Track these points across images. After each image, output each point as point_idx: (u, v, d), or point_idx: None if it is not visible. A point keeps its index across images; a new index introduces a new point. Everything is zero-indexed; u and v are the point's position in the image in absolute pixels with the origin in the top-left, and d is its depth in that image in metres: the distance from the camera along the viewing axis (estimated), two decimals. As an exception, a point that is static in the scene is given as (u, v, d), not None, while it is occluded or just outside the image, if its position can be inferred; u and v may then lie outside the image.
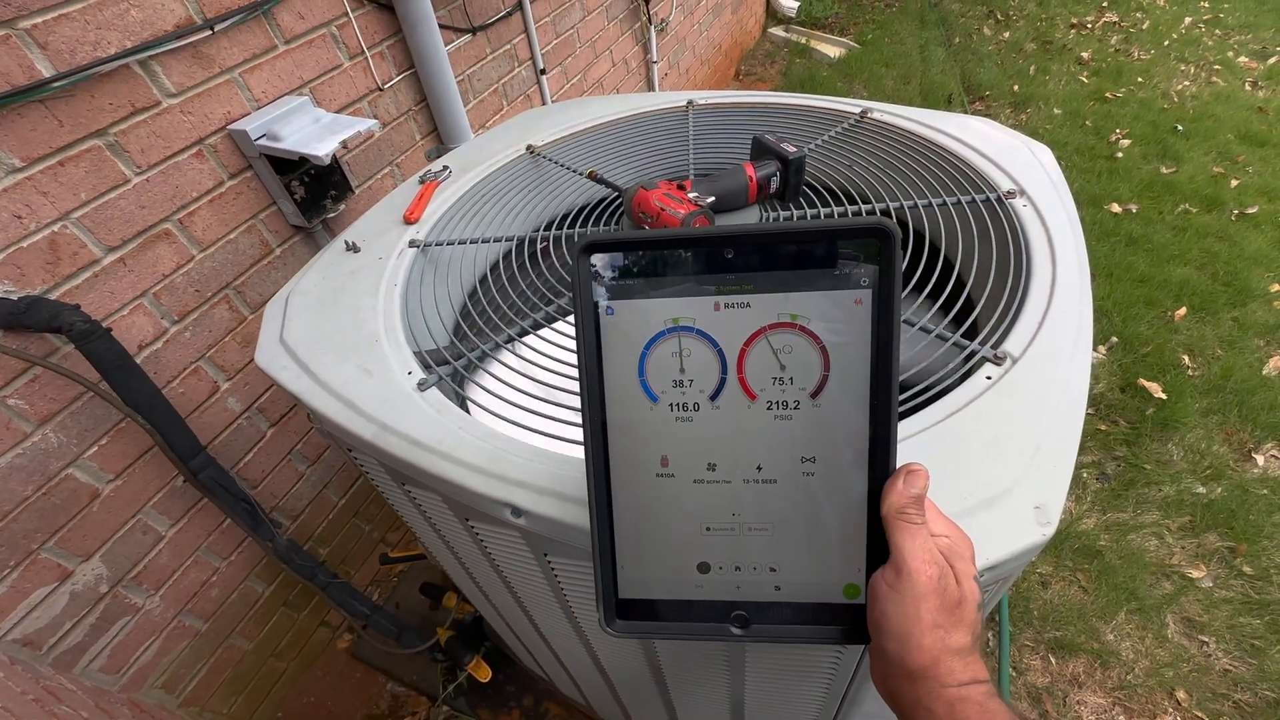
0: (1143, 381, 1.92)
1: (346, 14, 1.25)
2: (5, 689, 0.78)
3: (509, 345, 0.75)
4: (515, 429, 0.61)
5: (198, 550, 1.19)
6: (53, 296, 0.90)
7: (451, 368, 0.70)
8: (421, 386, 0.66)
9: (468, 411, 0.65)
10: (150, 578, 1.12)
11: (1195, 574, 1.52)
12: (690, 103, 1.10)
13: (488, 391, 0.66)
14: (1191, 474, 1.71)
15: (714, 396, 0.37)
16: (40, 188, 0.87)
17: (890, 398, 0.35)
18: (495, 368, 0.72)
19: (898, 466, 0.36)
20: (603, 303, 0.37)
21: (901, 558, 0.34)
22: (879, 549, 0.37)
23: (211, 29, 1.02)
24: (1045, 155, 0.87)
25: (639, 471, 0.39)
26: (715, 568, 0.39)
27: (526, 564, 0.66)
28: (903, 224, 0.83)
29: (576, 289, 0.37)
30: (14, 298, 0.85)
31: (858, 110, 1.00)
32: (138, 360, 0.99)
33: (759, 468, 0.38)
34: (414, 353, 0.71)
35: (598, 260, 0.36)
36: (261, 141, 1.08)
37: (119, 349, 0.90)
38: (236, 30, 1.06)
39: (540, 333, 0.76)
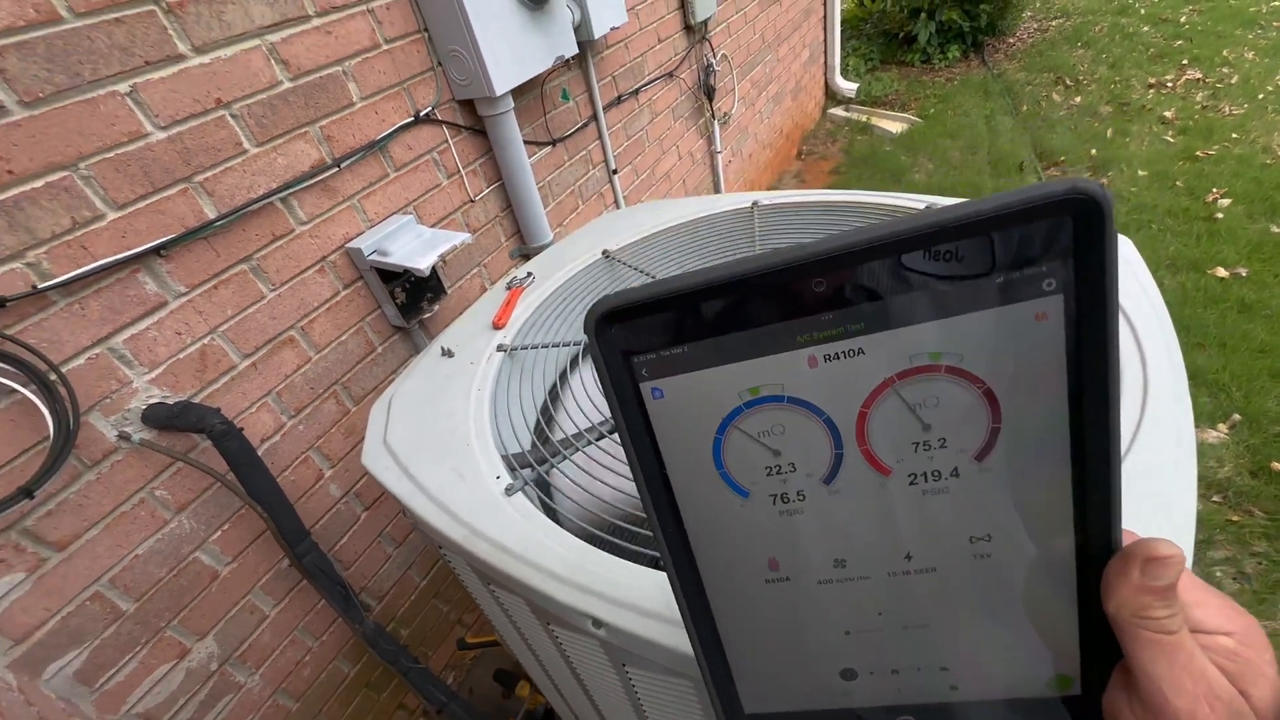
0: (1277, 465, 1.71)
1: (446, 141, 1.43)
2: (130, 766, 0.85)
3: (586, 448, 0.79)
4: (598, 537, 0.64)
5: (295, 630, 1.27)
6: (198, 399, 1.04)
7: (534, 471, 0.75)
8: (509, 492, 0.70)
9: (553, 516, 0.69)
10: (253, 656, 1.20)
11: (1376, 701, 1.29)
12: (755, 204, 1.17)
13: (569, 499, 0.70)
14: (1355, 576, 1.48)
15: (829, 479, 0.28)
16: (198, 308, 1.03)
17: (1109, 440, 0.24)
18: (575, 472, 0.76)
19: (1123, 541, 0.25)
20: (646, 386, 0.27)
21: (1158, 690, 0.22)
22: (1099, 634, 0.27)
23: (339, 166, 1.19)
24: (1126, 248, 0.85)
25: (742, 580, 0.31)
26: (865, 673, 0.31)
27: (604, 671, 0.67)
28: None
29: (603, 374, 0.27)
30: (170, 402, 0.99)
31: (921, 205, 1.02)
32: (259, 452, 1.11)
33: (908, 556, 0.29)
34: (501, 456, 0.77)
35: (623, 333, 0.27)
36: (373, 257, 1.22)
37: (248, 447, 1.01)
38: (358, 164, 1.24)
39: (613, 436, 0.80)
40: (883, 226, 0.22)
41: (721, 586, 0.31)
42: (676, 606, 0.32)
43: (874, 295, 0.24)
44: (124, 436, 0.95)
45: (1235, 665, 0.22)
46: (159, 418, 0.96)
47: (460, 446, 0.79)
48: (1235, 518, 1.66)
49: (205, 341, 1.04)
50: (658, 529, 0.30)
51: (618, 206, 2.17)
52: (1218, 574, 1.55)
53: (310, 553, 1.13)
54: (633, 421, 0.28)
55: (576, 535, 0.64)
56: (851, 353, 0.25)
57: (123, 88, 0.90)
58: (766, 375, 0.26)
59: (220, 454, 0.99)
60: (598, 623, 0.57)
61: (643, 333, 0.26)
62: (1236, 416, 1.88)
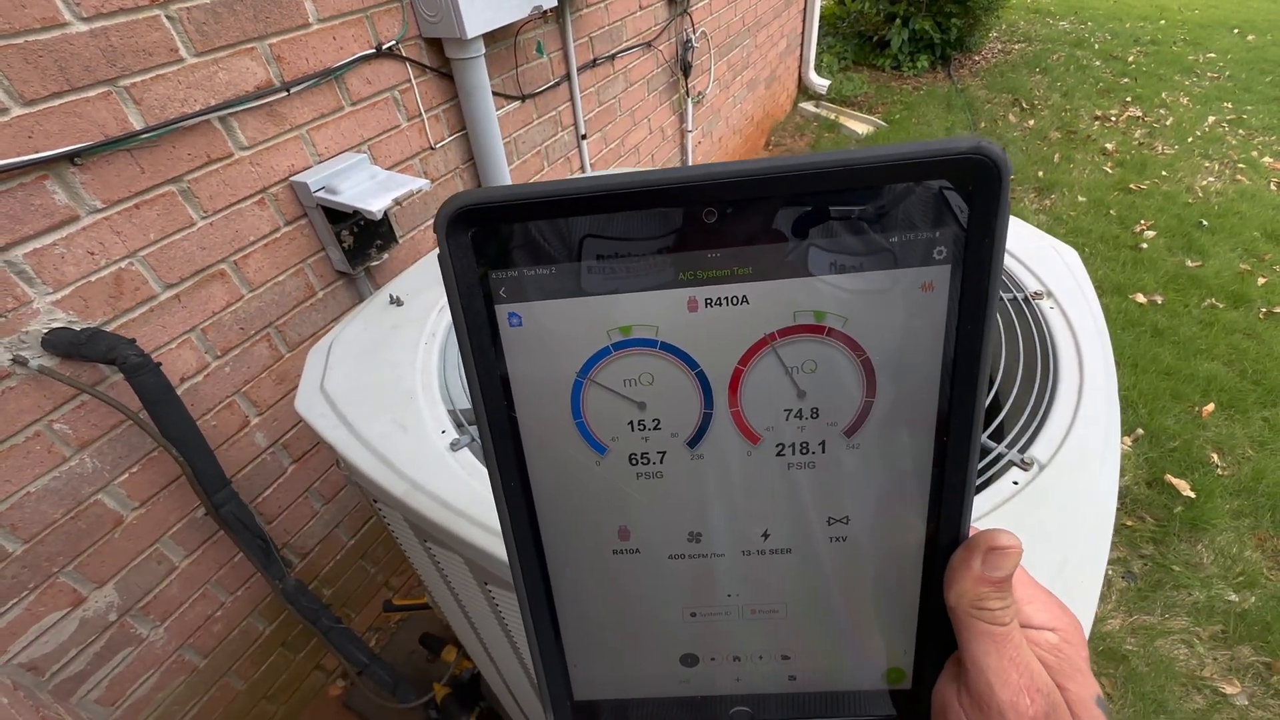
0: (1170, 478, 1.87)
1: (409, 80, 1.35)
2: (8, 715, 0.78)
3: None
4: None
5: (207, 583, 1.20)
6: (110, 328, 0.95)
7: (483, 429, 0.72)
8: (454, 447, 0.67)
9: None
10: (158, 608, 1.12)
11: (1229, 689, 1.44)
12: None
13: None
14: (1223, 580, 1.65)
15: (694, 441, 0.26)
16: (115, 227, 0.93)
17: (970, 433, 0.24)
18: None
19: (970, 532, 0.26)
20: (502, 310, 0.24)
21: (985, 681, 0.23)
22: (935, 627, 0.27)
23: (288, 91, 1.10)
24: (1071, 257, 0.89)
25: (586, 550, 0.28)
26: (705, 659, 0.30)
27: (540, 634, 0.66)
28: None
29: (451, 288, 0.23)
30: (76, 328, 0.90)
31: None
32: (178, 392, 1.03)
33: (765, 534, 0.27)
34: (448, 411, 0.73)
35: (481, 239, 0.23)
36: (320, 194, 1.14)
37: (165, 383, 0.93)
38: (309, 92, 1.15)
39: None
40: (783, 159, 0.21)
41: (565, 555, 0.28)
42: (511, 575, 0.29)
43: (766, 236, 0.22)
44: (19, 361, 0.85)
45: (1056, 660, 0.23)
46: (62, 344, 0.87)
47: (404, 399, 0.75)
48: (1129, 522, 1.81)
49: (122, 265, 0.95)
50: (497, 482, 0.27)
51: (584, 172, 2.11)
52: (1109, 572, 1.69)
53: (229, 502, 1.06)
54: (481, 350, 0.24)
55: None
56: (735, 300, 0.23)
57: (37, -35, 0.79)
58: (642, 314, 0.24)
59: (133, 389, 0.91)
60: (539, 583, 0.55)
61: (504, 244, 0.23)
62: (1140, 431, 2.05)
